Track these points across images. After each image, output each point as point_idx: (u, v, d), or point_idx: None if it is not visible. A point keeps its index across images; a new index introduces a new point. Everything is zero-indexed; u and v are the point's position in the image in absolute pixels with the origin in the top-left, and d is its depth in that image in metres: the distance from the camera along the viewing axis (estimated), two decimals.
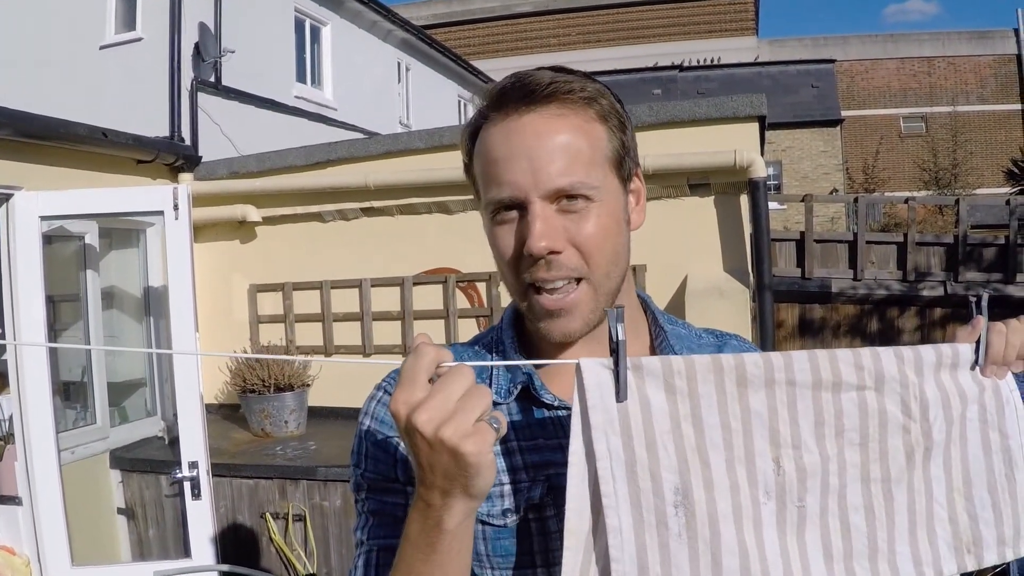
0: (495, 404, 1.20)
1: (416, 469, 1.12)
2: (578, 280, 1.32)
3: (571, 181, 1.28)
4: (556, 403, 1.40)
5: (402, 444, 1.39)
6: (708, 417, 1.21)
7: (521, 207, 1.30)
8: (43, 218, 5.47)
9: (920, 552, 1.34)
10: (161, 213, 5.39)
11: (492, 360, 1.45)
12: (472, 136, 1.40)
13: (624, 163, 1.39)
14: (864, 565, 1.29)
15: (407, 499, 1.36)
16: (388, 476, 1.40)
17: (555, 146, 1.29)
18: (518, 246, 1.31)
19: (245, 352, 6.70)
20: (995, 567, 1.42)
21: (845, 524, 1.29)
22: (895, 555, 1.32)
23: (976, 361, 1.39)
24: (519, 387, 1.41)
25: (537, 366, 1.44)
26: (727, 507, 1.21)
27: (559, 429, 1.39)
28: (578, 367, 1.17)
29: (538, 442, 1.39)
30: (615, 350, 1.16)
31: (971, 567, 1.39)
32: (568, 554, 1.16)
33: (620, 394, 1.17)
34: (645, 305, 1.55)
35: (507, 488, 1.36)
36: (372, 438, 1.44)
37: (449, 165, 6.51)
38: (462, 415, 1.05)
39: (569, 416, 1.31)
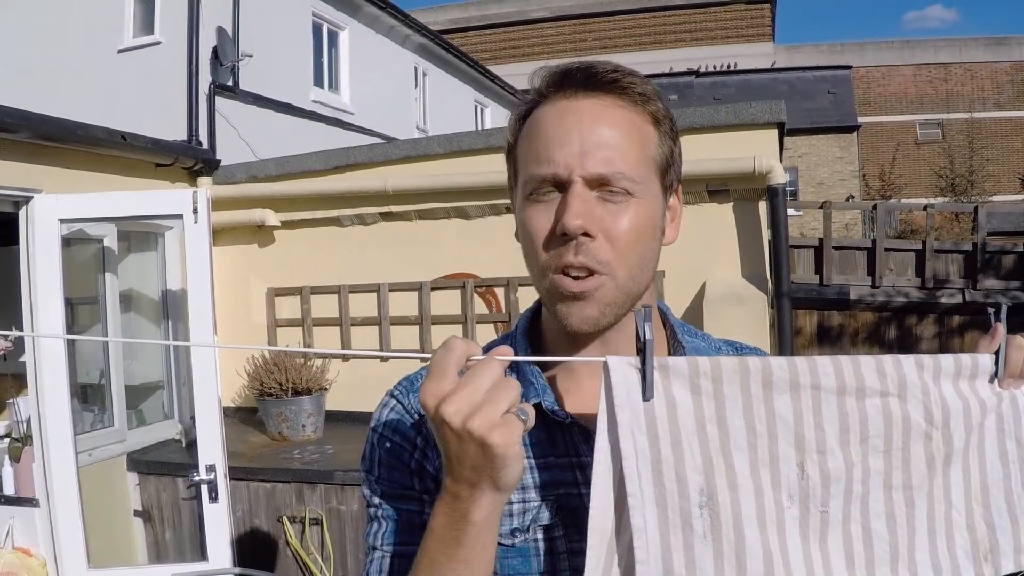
0: None
1: (444, 461, 1.13)
2: (601, 275, 1.29)
3: (615, 171, 1.27)
4: (568, 420, 1.37)
5: (416, 454, 1.39)
6: (733, 419, 1.21)
7: (562, 187, 1.28)
8: (62, 221, 5.48)
9: (940, 560, 1.33)
10: (180, 217, 5.39)
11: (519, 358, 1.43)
12: (522, 117, 1.39)
13: (668, 172, 1.38)
14: (885, 572, 1.29)
15: (423, 507, 1.37)
16: (404, 484, 1.40)
17: (607, 134, 1.28)
18: (552, 225, 1.29)
19: (264, 357, 6.70)
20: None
21: (867, 531, 1.29)
22: (915, 563, 1.31)
23: (995, 373, 1.38)
24: (531, 404, 1.34)
25: (552, 377, 1.43)
26: (751, 510, 1.21)
27: (570, 447, 1.37)
28: (605, 365, 1.17)
29: (548, 460, 1.37)
30: (642, 349, 1.15)
31: (988, 575, 1.39)
32: (591, 553, 1.15)
33: (646, 393, 1.17)
34: (664, 318, 1.53)
35: (516, 507, 1.35)
36: (384, 446, 1.42)
37: (468, 170, 6.56)
38: (490, 406, 1.06)
39: (581, 433, 1.35)
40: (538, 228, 1.31)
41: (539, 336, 1.50)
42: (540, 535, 1.35)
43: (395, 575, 1.35)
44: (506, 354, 1.12)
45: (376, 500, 1.42)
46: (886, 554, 1.29)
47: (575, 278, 1.29)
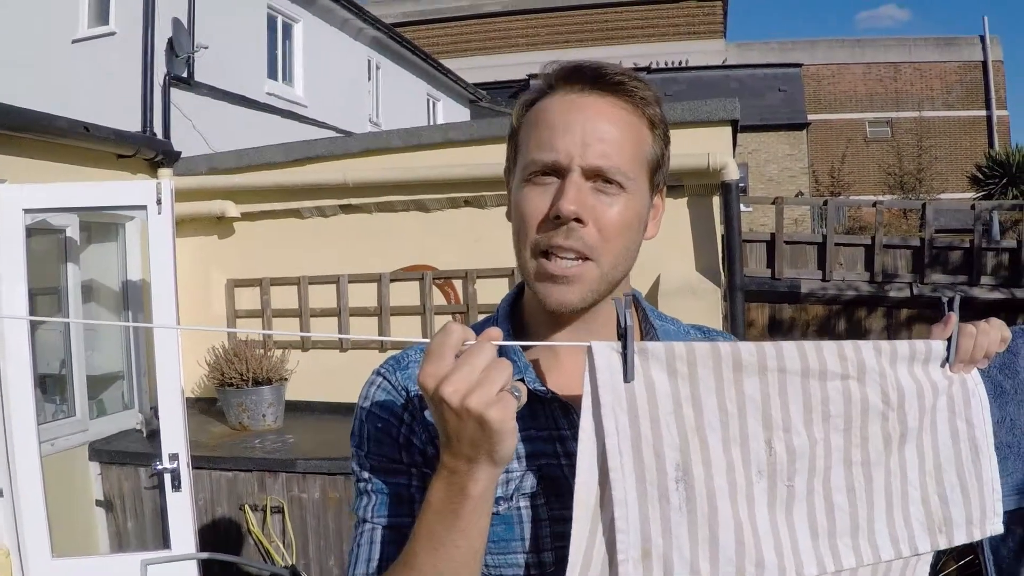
0: None
1: (442, 438, 1.20)
2: (586, 259, 1.38)
3: (611, 165, 1.37)
4: (549, 396, 1.44)
5: (403, 428, 1.45)
6: (707, 400, 1.30)
7: (560, 174, 1.38)
8: (27, 211, 5.46)
9: (896, 530, 1.44)
10: (144, 208, 5.38)
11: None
12: (528, 104, 1.48)
13: (657, 173, 1.49)
14: (847, 542, 1.39)
15: (411, 480, 1.43)
16: (392, 458, 1.45)
17: (608, 131, 1.38)
18: (547, 208, 1.38)
19: (224, 346, 6.73)
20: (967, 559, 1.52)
21: (829, 503, 1.39)
22: (874, 533, 1.42)
23: (947, 358, 1.49)
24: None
25: (533, 356, 1.51)
26: (723, 484, 1.30)
27: (550, 421, 1.45)
28: (589, 349, 1.25)
29: (530, 433, 1.43)
30: (623, 334, 1.24)
31: (943, 545, 1.49)
32: (576, 525, 1.23)
33: (628, 375, 1.25)
34: (636, 302, 1.61)
35: (500, 477, 1.34)
36: (373, 422, 1.48)
37: (426, 164, 6.60)
38: (486, 385, 1.13)
39: (561, 408, 1.44)
40: (533, 209, 1.40)
41: (520, 318, 1.58)
42: (523, 503, 1.42)
43: (385, 545, 1.41)
44: (497, 337, 1.19)
45: (365, 475, 1.47)
46: (847, 525, 1.39)
47: (562, 259, 1.38)
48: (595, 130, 1.38)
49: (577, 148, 1.37)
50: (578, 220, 1.35)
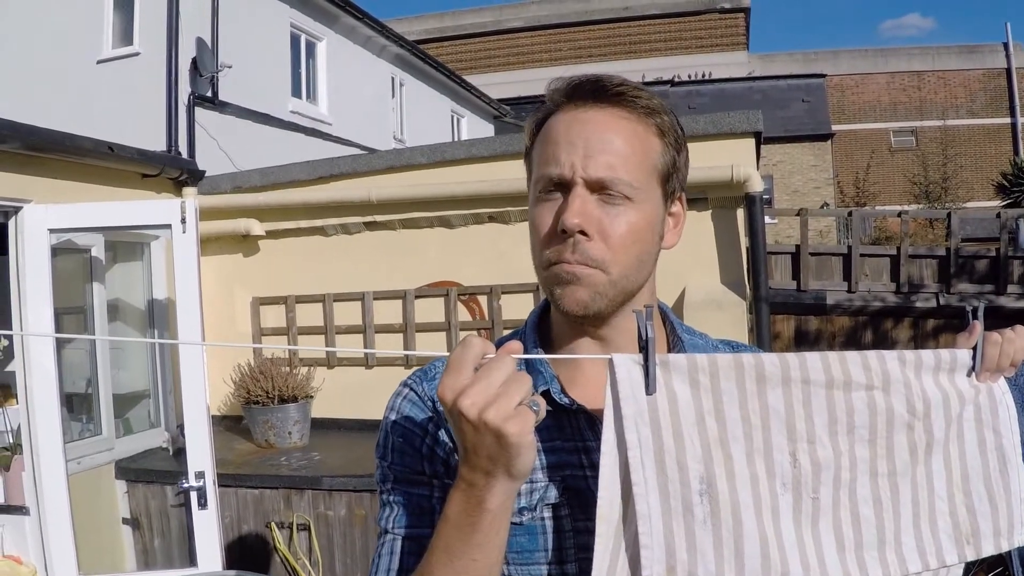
0: None
1: (460, 451, 1.19)
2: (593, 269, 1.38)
3: (613, 176, 1.36)
4: (575, 407, 1.44)
5: (427, 439, 1.46)
6: (730, 412, 1.28)
7: (566, 188, 1.38)
8: (52, 231, 5.49)
9: (924, 543, 1.41)
10: (169, 227, 5.40)
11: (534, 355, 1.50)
12: (539, 123, 1.49)
13: (670, 180, 1.48)
14: (873, 555, 1.37)
15: (432, 491, 1.43)
16: (415, 469, 1.46)
17: (610, 142, 1.38)
18: (554, 222, 1.38)
19: (249, 365, 6.74)
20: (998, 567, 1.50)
21: (855, 516, 1.36)
22: (901, 545, 1.39)
23: (973, 367, 1.46)
24: (539, 391, 1.42)
25: (562, 369, 1.50)
26: (748, 497, 1.28)
27: (576, 432, 1.44)
28: (611, 362, 1.24)
29: (555, 444, 1.43)
30: (644, 347, 1.23)
31: (971, 557, 1.47)
32: (599, 540, 1.22)
33: (649, 387, 1.24)
34: (664, 316, 1.60)
35: (524, 487, 1.39)
36: (398, 433, 1.49)
37: (451, 180, 6.60)
38: (504, 399, 1.12)
39: (586, 420, 1.43)
40: (543, 224, 1.41)
41: (547, 330, 1.58)
42: (547, 513, 1.41)
43: (405, 556, 1.41)
44: (517, 351, 1.19)
45: (388, 485, 1.48)
46: (874, 538, 1.37)
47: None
48: (597, 142, 1.38)
49: (580, 161, 1.37)
50: (583, 233, 1.36)
